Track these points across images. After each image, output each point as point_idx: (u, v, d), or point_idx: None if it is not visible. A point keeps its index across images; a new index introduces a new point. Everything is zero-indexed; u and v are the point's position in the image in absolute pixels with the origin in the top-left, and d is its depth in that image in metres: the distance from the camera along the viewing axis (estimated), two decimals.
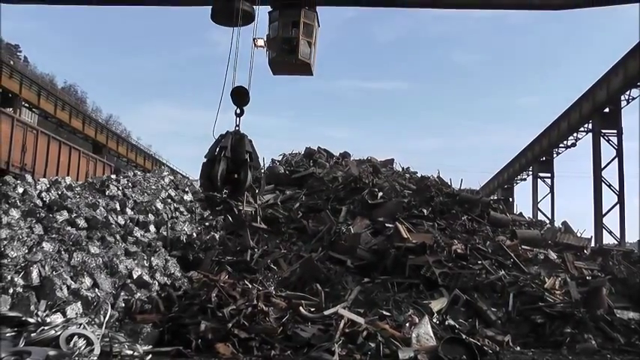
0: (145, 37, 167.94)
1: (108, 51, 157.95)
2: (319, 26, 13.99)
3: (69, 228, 13.04)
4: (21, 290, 9.21)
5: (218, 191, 14.90)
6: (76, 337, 7.94)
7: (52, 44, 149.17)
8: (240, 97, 12.38)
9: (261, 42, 13.39)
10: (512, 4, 14.59)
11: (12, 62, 53.75)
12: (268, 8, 14.18)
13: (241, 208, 18.13)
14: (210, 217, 18.32)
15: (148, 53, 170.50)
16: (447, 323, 11.28)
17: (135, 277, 11.80)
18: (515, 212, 21.23)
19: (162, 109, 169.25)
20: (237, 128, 12.42)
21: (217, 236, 16.20)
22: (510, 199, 36.14)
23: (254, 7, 13.04)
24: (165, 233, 15.65)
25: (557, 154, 43.41)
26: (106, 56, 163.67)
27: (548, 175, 44.99)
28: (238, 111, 12.40)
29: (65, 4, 15.82)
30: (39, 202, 14.03)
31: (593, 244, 17.92)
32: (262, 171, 16.10)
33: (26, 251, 10.55)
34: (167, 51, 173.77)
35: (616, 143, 32.40)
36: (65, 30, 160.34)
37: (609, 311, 12.16)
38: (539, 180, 45.47)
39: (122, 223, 14.99)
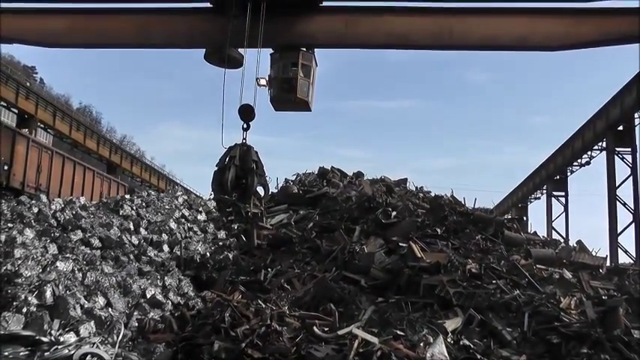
0: (159, 57, 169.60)
1: (122, 72, 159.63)
2: (317, 66, 15.04)
3: (83, 247, 13.11)
4: (35, 309, 9.24)
5: (229, 195, 15.91)
6: (89, 356, 7.96)
7: (67, 65, 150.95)
8: (246, 113, 13.35)
9: (263, 81, 14.54)
10: (508, 46, 15.25)
11: (28, 84, 54.40)
12: (270, 50, 15.18)
13: (249, 210, 18.98)
14: (224, 237, 18.36)
15: (162, 74, 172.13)
16: (461, 343, 11.18)
17: (148, 296, 11.82)
18: (529, 231, 21.08)
19: (176, 129, 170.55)
20: (244, 140, 13.41)
21: (231, 256, 16.19)
22: (524, 218, 35.88)
23: (260, 49, 14.12)
24: (178, 253, 15.66)
25: (572, 172, 43.17)
26: (121, 77, 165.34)
27: (563, 193, 44.67)
28: (245, 125, 13.34)
29: (77, 48, 17.00)
30: (53, 222, 14.11)
31: (608, 264, 17.70)
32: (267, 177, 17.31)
33: (40, 270, 10.60)
34: (181, 71, 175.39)
35: (630, 162, 32.20)
36: (79, 51, 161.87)
37: (626, 331, 11.99)
38: (553, 199, 45.20)
39: (136, 242, 15.04)
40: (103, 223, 15.09)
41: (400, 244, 15.92)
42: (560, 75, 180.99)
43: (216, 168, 13.43)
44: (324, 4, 14.84)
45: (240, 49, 14.01)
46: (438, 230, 17.25)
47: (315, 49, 15.09)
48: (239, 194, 14.68)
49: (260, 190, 14.89)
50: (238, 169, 13.24)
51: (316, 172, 25.25)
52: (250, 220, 18.50)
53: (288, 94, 14.83)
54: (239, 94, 13.60)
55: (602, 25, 14.30)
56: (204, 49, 14.59)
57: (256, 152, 13.46)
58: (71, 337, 8.83)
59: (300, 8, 14.70)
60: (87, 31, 15.48)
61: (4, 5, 14.73)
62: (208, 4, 14.85)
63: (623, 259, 30.16)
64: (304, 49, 14.79)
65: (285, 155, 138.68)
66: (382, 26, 14.99)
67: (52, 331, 8.89)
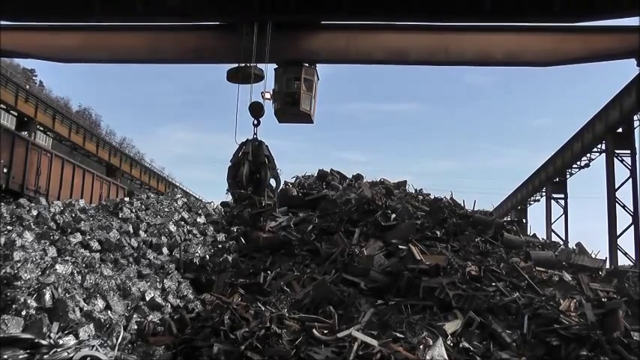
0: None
1: (122, 75, 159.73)
2: (318, 79, 15.67)
3: (82, 250, 13.12)
4: (34, 312, 9.24)
5: (244, 189, 16.58)
6: (88, 359, 7.94)
7: (67, 68, 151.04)
8: (256, 110, 13.97)
9: (268, 95, 15.25)
10: (501, 62, 16.13)
11: (28, 87, 54.42)
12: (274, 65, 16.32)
13: (263, 201, 19.15)
14: (224, 240, 18.33)
15: (163, 77, 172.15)
16: (461, 346, 11.17)
17: (148, 299, 11.81)
18: (528, 234, 21.04)
19: (176, 132, 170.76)
20: (255, 136, 13.96)
21: (230, 258, 16.17)
22: (524, 221, 35.91)
23: (264, 64, 14.97)
24: (178, 255, 15.65)
25: (571, 174, 43.22)
26: (121, 80, 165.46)
27: (562, 195, 44.68)
28: (255, 122, 13.97)
29: (90, 63, 17.85)
30: (53, 225, 14.13)
31: (608, 266, 17.66)
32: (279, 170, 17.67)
33: (39, 273, 10.60)
34: (182, 75, 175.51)
35: (630, 164, 32.21)
36: None
37: (626, 334, 11.99)
38: (552, 201, 45.20)
39: (135, 245, 15.03)
40: (103, 226, 15.09)
41: (400, 246, 15.88)
42: (561, 78, 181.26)
43: (230, 163, 14.04)
44: (326, 22, 15.25)
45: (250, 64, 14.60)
46: (438, 233, 17.22)
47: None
48: (253, 187, 15.79)
49: (272, 182, 15.34)
50: (251, 164, 13.68)
51: (315, 175, 25.19)
52: (266, 210, 18.63)
53: (291, 108, 15.37)
54: (246, 103, 14.22)
55: (588, 42, 14.85)
56: (226, 73, 15.14)
57: (267, 147, 14.01)
58: (70, 340, 8.82)
59: (302, 26, 15.10)
60: (99, 48, 16.03)
61: (21, 23, 15.17)
62: (216, 22, 15.27)
63: (622, 261, 30.22)
64: (307, 65, 15.19)
65: (285, 158, 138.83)
66: (381, 43, 15.67)
67: (52, 334, 8.88)
